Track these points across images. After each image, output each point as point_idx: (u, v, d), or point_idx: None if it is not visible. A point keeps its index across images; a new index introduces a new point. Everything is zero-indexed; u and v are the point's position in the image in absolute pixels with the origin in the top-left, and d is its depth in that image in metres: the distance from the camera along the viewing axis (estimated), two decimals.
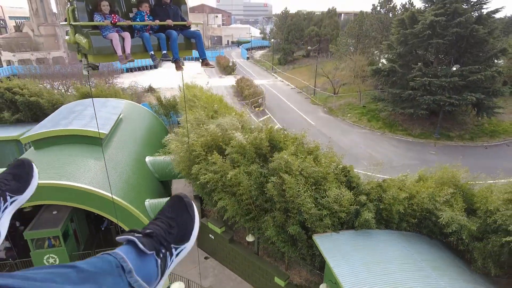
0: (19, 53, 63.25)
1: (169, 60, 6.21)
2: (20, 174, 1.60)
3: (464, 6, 29.58)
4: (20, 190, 1.56)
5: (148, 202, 17.30)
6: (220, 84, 54.57)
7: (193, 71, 65.15)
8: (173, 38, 6.05)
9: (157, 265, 1.21)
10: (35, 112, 29.54)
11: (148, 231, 1.24)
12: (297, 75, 58.80)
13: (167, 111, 30.75)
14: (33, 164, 1.66)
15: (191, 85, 29.92)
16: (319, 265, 13.93)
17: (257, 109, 41.44)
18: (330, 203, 13.05)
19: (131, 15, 6.21)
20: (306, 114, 40.72)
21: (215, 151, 14.76)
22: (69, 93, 33.52)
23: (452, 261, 12.98)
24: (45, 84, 39.59)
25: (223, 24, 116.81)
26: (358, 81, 41.37)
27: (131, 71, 63.00)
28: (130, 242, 1.18)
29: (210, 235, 17.30)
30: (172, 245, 1.30)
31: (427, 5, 32.93)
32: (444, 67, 32.38)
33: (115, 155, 19.16)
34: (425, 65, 33.47)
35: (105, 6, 5.68)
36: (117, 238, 1.20)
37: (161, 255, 1.24)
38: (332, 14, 63.64)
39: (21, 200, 1.57)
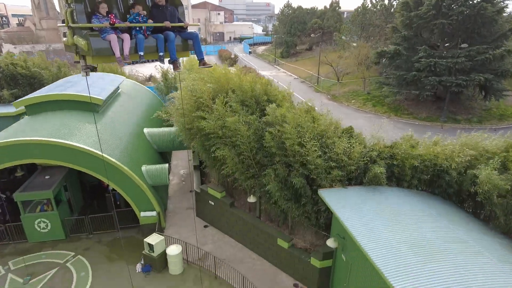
0: (20, 45, 63.00)
1: (161, 61, 6.36)
2: None
3: None
4: None
5: (145, 167, 16.57)
6: None
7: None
8: (171, 39, 6.10)
9: None
10: (35, 88, 28.81)
11: None
12: (300, 67, 58.20)
13: (168, 90, 30.15)
14: None
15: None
16: (325, 224, 13.10)
17: None
18: (339, 155, 12.28)
19: (129, 17, 6.21)
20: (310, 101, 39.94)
21: (217, 99, 14.10)
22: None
23: (468, 218, 12.14)
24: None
25: (225, 22, 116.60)
26: (363, 68, 40.61)
27: (132, 63, 62.54)
28: None
29: (210, 201, 16.50)
30: None
31: None
32: (451, 49, 31.58)
33: (112, 124, 18.47)
34: (431, 48, 32.68)
35: (103, 9, 5.71)
36: None
37: None
38: (335, 6, 63.06)
39: None
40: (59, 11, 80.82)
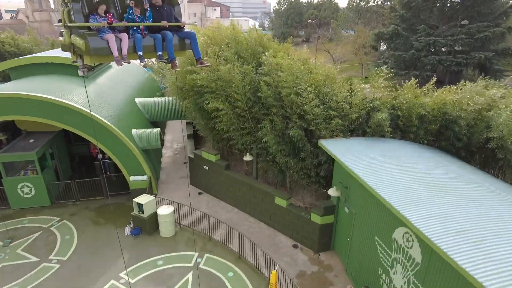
0: None
1: (165, 61, 6.34)
2: None
3: None
4: None
5: (135, 130, 15.74)
6: None
7: None
8: (169, 39, 6.09)
9: None
10: None
11: None
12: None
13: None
14: None
15: None
16: (325, 180, 12.35)
17: None
18: (339, 103, 11.54)
19: (125, 15, 6.14)
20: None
21: (209, 50, 13.41)
22: None
23: (478, 169, 11.44)
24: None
25: (221, 17, 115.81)
26: (361, 53, 40.00)
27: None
28: None
29: (204, 166, 15.68)
30: None
31: None
32: (450, 28, 31.03)
33: (102, 89, 17.61)
34: (430, 28, 32.12)
35: (102, 10, 5.69)
36: None
37: None
38: None
39: None
40: (53, 7, 79.57)
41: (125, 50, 5.65)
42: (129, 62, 5.91)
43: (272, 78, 11.98)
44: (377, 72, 12.79)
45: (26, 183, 14.50)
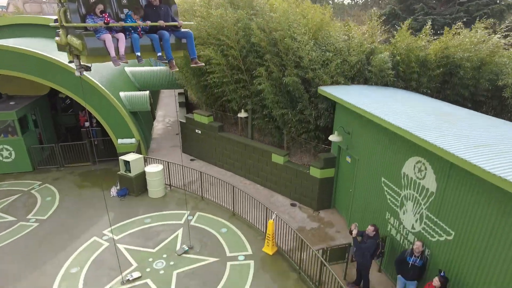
0: None
1: (165, 62, 6.29)
2: None
3: None
4: None
5: (123, 93, 14.86)
6: None
7: None
8: (166, 38, 6.10)
9: None
10: None
11: None
12: None
13: None
14: None
15: None
16: (325, 133, 11.54)
17: None
18: (335, 45, 10.77)
19: (122, 16, 6.14)
20: None
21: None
22: None
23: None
24: None
25: None
26: None
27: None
28: None
29: (196, 130, 14.83)
30: None
31: None
32: (449, 8, 30.56)
33: None
34: (428, 9, 31.62)
35: (98, 10, 5.66)
36: None
37: None
38: None
39: None
40: None
41: (122, 50, 5.67)
42: (127, 62, 5.83)
43: (265, 21, 11.17)
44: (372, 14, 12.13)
45: (5, 146, 13.54)
